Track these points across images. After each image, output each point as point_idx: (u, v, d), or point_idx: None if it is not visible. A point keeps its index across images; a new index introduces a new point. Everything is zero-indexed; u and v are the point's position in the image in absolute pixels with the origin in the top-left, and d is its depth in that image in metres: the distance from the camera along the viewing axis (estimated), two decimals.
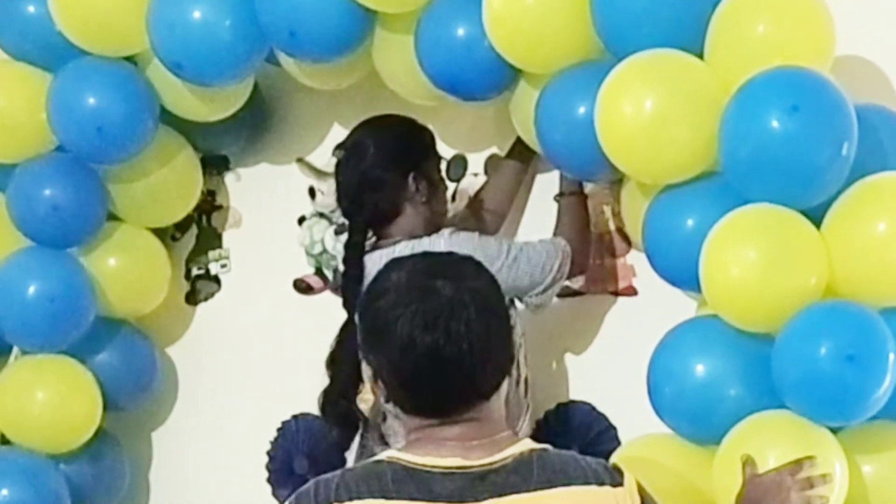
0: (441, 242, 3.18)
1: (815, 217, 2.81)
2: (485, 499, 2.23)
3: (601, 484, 2.27)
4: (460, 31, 3.20)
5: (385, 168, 3.28)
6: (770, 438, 2.74)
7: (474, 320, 2.25)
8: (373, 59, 3.48)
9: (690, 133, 2.88)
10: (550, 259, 3.25)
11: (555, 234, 3.38)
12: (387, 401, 2.34)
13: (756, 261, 2.76)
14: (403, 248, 3.18)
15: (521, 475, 2.25)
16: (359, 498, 2.23)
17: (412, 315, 2.25)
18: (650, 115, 2.88)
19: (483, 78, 3.24)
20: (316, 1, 3.34)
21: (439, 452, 2.26)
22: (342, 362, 3.21)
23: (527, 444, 2.30)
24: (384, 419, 3.23)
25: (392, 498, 2.22)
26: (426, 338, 2.24)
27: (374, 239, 3.31)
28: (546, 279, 3.24)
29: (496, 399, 2.31)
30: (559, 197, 3.42)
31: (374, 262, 3.16)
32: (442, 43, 3.25)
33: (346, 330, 3.21)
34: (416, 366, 2.25)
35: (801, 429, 2.74)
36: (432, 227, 3.27)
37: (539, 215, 3.52)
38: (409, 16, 3.31)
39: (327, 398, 3.26)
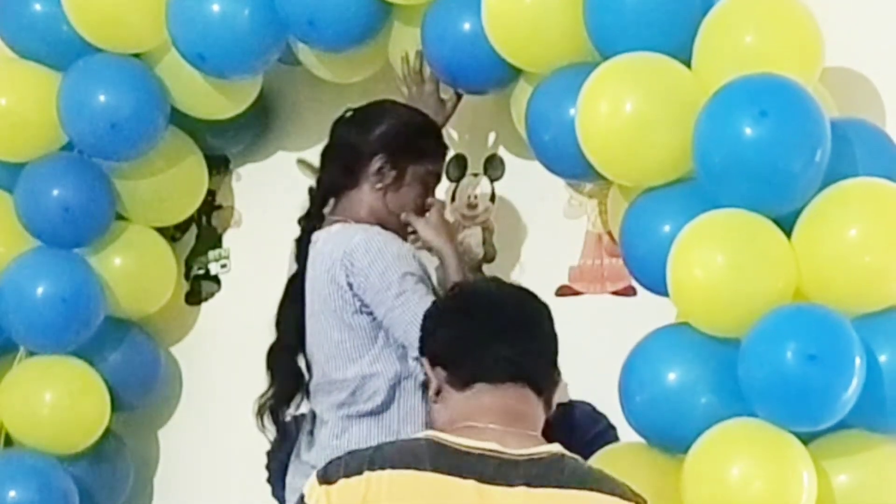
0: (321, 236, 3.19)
1: (788, 225, 2.81)
2: (518, 485, 2.29)
3: (625, 498, 2.33)
4: (464, 26, 3.26)
5: (361, 135, 3.22)
6: (737, 447, 2.76)
7: (548, 332, 2.49)
8: (388, 51, 3.53)
9: (668, 137, 2.89)
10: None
11: None
12: (437, 391, 2.41)
13: (721, 264, 2.78)
14: (320, 240, 3.18)
15: (555, 471, 2.32)
16: (392, 468, 2.29)
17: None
18: (628, 116, 2.90)
19: (484, 72, 3.31)
20: None
21: (478, 437, 2.33)
22: (287, 319, 3.24)
23: (558, 448, 2.37)
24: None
25: (425, 470, 2.28)
26: (509, 308, 2.45)
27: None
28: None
29: (542, 404, 2.41)
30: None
31: (314, 242, 3.19)
32: (446, 36, 3.31)
33: (292, 287, 3.23)
34: (496, 325, 2.41)
35: (767, 436, 2.75)
36: (386, 225, 3.18)
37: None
38: (422, 7, 3.36)
39: (272, 353, 3.27)
